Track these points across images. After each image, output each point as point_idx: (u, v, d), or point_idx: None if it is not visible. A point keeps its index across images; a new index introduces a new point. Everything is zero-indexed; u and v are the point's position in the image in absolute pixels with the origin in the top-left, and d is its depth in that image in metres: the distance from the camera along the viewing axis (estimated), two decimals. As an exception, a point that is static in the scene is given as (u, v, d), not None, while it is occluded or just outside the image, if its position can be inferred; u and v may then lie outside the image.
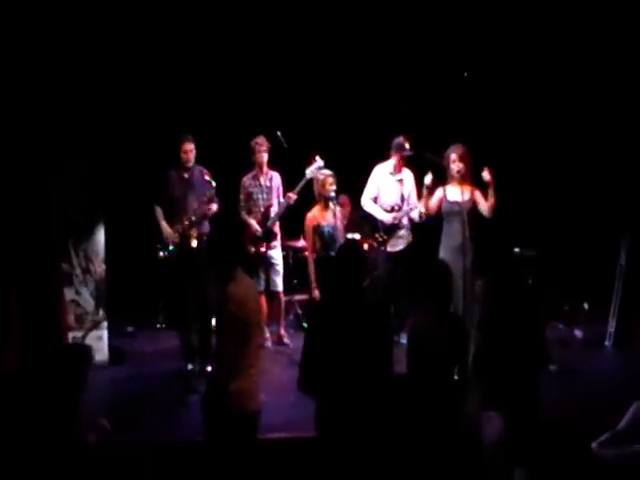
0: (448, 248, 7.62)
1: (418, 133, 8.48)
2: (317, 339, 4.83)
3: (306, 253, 8.92)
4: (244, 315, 4.92)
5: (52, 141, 7.46)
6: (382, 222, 8.32)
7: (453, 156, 7.72)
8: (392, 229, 8.33)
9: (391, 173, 8.41)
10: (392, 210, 8.34)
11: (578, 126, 9.97)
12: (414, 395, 5.13)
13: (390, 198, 8.38)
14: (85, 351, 5.34)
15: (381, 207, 8.38)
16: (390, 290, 8.18)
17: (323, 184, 8.05)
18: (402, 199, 8.37)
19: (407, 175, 8.45)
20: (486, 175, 7.59)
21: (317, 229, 8.06)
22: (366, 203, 8.44)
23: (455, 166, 7.68)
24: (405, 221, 8.38)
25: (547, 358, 5.50)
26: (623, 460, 5.13)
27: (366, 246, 8.96)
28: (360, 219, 9.06)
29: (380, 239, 8.32)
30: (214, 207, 7.94)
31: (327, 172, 8.08)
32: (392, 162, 8.39)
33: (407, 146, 8.26)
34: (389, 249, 8.37)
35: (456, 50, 10.05)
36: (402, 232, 8.38)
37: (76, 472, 4.67)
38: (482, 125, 9.85)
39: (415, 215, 8.27)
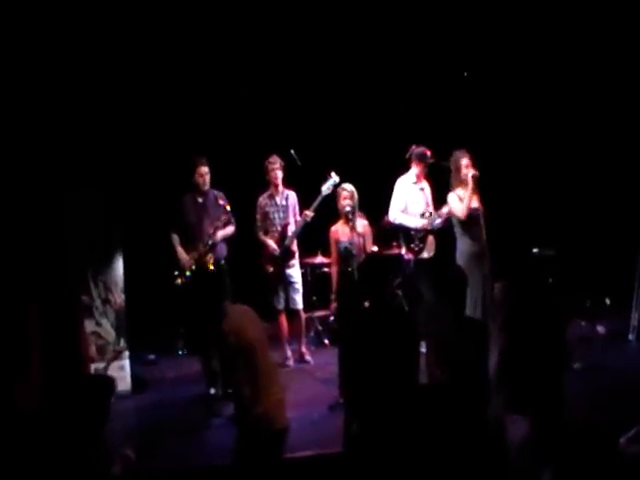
0: (468, 254, 7.62)
1: (431, 143, 8.49)
2: (350, 357, 4.86)
3: (325, 269, 8.95)
4: (245, 343, 4.98)
5: (67, 172, 7.52)
6: (416, 230, 8.32)
7: (465, 161, 7.74)
8: (425, 236, 8.33)
9: (414, 183, 8.44)
10: (422, 217, 8.35)
11: (592, 124, 9.92)
12: (439, 401, 5.10)
13: (418, 207, 8.41)
14: (107, 382, 5.36)
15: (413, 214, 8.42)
16: (419, 298, 8.19)
17: (338, 198, 8.04)
18: (427, 206, 8.41)
19: (425, 184, 8.50)
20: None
21: (337, 244, 8.04)
22: (397, 215, 8.43)
23: (469, 171, 7.69)
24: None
25: (570, 357, 5.43)
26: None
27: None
28: (387, 233, 9.06)
29: (417, 248, 8.34)
30: (231, 230, 7.96)
31: (345, 186, 7.99)
32: (414, 172, 8.42)
33: (429, 154, 8.30)
34: (425, 255, 8.36)
35: (461, 58, 10.05)
36: (431, 238, 8.37)
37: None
38: (498, 126, 9.85)
39: (438, 222, 8.28)
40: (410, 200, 8.43)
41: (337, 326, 8.76)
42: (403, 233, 8.45)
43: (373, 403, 4.72)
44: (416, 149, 8.34)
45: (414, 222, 8.34)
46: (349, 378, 4.85)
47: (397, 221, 8.42)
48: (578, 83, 9.84)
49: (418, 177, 8.42)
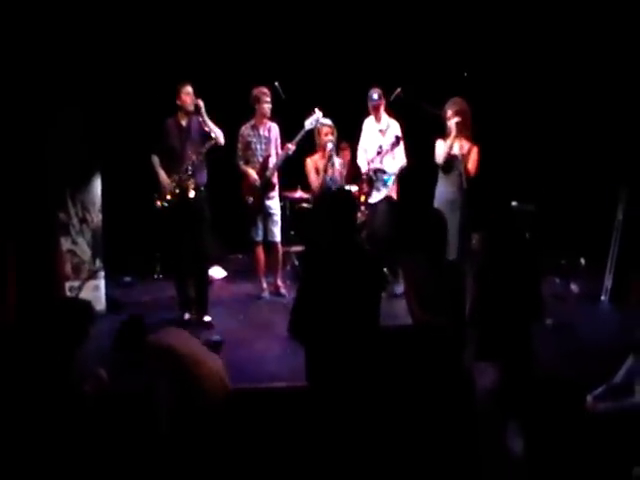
0: (444, 201, 7.63)
1: (420, 84, 8.42)
2: (309, 286, 4.88)
3: (304, 204, 8.97)
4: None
5: (47, 90, 7.36)
6: (363, 173, 8.42)
7: (450, 112, 7.71)
8: (372, 181, 8.34)
9: (374, 123, 8.47)
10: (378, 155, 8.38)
11: (575, 81, 9.91)
12: (416, 345, 5.14)
13: (372, 149, 8.43)
14: (87, 308, 5.35)
15: (367, 158, 8.45)
16: (382, 241, 8.22)
17: (319, 133, 8.13)
18: (379, 149, 8.35)
19: (391, 126, 8.43)
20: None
21: (319, 172, 8.09)
22: (359, 154, 8.56)
23: (452, 120, 7.65)
24: (390, 172, 8.36)
25: (543, 312, 5.48)
26: (616, 413, 5.18)
27: (363, 198, 9.02)
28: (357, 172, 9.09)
29: (364, 190, 8.41)
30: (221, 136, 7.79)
31: (326, 122, 8.13)
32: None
33: (375, 96, 8.32)
34: (370, 200, 8.42)
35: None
36: (379, 184, 8.39)
37: (73, 421, 4.71)
38: (481, 79, 9.78)
39: (391, 170, 8.31)
40: (367, 140, 8.53)
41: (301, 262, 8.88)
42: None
43: (333, 342, 4.80)
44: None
45: (362, 164, 8.47)
46: (306, 316, 4.89)
47: (358, 160, 8.58)
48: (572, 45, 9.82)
49: (375, 118, 8.44)
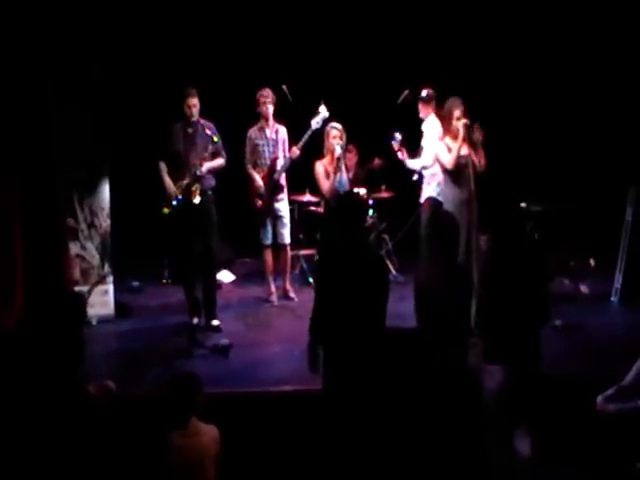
0: (454, 202, 7.55)
1: (429, 82, 8.39)
2: (322, 288, 4.91)
3: (313, 207, 8.95)
4: None
5: (55, 95, 7.40)
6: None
7: (458, 113, 7.59)
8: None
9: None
10: None
11: (585, 81, 9.88)
12: (420, 347, 5.14)
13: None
14: (78, 295, 5.37)
15: None
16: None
17: (327, 136, 8.04)
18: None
19: (427, 126, 8.14)
20: (477, 135, 7.50)
21: (329, 176, 8.00)
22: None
23: (461, 122, 7.54)
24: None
25: (550, 314, 5.46)
26: (627, 415, 5.15)
27: (371, 201, 9.00)
28: (367, 174, 9.04)
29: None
30: (220, 162, 7.82)
31: (334, 124, 8.02)
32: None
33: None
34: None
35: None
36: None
37: (80, 422, 4.70)
38: (490, 78, 9.76)
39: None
40: None
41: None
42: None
43: (342, 343, 4.81)
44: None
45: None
46: (319, 318, 4.92)
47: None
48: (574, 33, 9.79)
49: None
